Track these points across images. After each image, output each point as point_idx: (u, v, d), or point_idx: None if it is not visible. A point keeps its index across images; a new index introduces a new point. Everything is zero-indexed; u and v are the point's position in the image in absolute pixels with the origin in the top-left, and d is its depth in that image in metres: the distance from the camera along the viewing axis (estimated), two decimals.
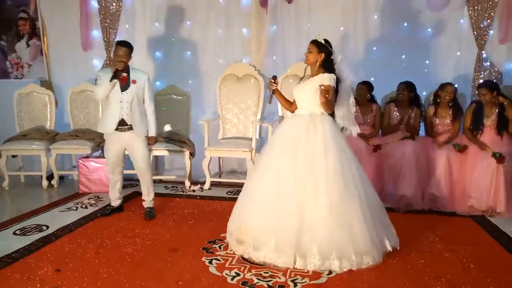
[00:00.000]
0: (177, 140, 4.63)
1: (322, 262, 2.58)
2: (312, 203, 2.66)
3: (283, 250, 2.63)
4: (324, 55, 2.88)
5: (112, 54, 3.53)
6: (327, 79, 2.83)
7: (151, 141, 3.73)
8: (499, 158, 3.64)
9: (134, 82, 3.50)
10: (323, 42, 2.89)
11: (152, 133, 3.68)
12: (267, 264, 2.66)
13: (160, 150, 4.61)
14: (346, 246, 2.60)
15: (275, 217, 2.69)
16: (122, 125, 3.49)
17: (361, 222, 2.64)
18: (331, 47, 2.92)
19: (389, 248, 2.77)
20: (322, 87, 2.72)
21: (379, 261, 2.68)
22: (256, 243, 2.73)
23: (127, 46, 3.49)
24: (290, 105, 3.13)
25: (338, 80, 2.89)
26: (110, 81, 3.36)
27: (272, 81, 3.01)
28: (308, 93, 2.90)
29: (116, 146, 3.57)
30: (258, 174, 2.94)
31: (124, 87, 3.47)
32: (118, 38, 5.10)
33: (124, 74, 3.47)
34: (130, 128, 3.52)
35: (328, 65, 2.90)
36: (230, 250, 2.92)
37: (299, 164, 2.73)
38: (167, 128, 4.92)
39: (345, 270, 2.57)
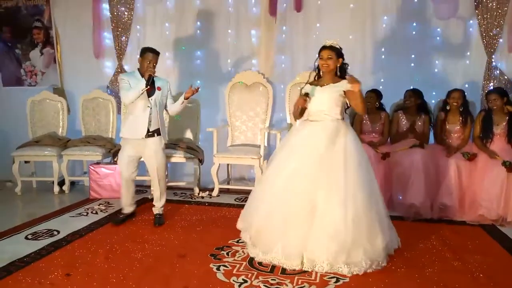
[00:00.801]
0: (187, 147, 4.67)
1: (330, 267, 2.62)
2: (324, 208, 2.65)
3: (291, 253, 2.66)
4: (341, 61, 2.91)
5: (138, 60, 3.58)
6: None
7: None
8: (509, 166, 3.61)
9: (159, 89, 3.57)
10: (340, 48, 2.91)
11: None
12: (276, 265, 2.72)
13: (178, 157, 4.63)
14: (358, 253, 2.61)
15: (284, 220, 2.71)
16: (148, 131, 3.54)
17: (375, 228, 2.66)
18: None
19: (392, 252, 2.84)
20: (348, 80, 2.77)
21: (384, 265, 2.72)
22: (266, 246, 2.78)
23: (157, 53, 3.55)
24: (300, 115, 3.06)
25: None
26: (145, 87, 3.40)
27: (305, 98, 2.91)
28: (327, 99, 2.87)
29: (134, 151, 3.59)
30: (274, 178, 2.88)
31: (150, 93, 3.52)
32: (129, 46, 5.21)
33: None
34: (152, 134, 3.56)
35: (343, 70, 2.92)
36: (238, 257, 2.94)
37: (315, 169, 2.72)
38: (183, 135, 4.96)
39: (353, 274, 2.60)
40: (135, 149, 3.59)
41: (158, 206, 3.74)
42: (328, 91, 2.89)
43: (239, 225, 3.20)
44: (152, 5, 5.21)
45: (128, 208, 3.77)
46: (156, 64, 3.53)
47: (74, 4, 5.42)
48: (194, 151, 4.66)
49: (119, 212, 3.84)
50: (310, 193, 2.70)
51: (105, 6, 5.25)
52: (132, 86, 3.46)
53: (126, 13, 5.12)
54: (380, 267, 2.69)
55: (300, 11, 4.81)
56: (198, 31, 5.17)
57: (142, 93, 3.44)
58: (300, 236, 2.67)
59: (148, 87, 3.43)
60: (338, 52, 2.90)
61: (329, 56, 2.88)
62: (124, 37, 5.18)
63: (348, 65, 2.97)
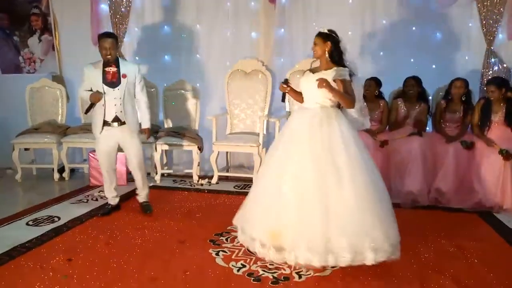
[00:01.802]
0: (186, 135, 4.69)
1: (354, 256, 2.45)
2: (336, 195, 2.52)
3: (314, 249, 2.46)
4: (330, 44, 2.80)
5: (98, 48, 3.39)
6: (345, 74, 2.75)
7: (146, 133, 3.66)
8: (506, 155, 3.63)
9: (124, 76, 3.37)
10: (327, 32, 2.83)
11: (147, 125, 3.61)
12: (302, 266, 2.56)
13: (177, 146, 4.66)
14: (379, 236, 2.47)
15: (299, 217, 2.54)
16: (115, 121, 3.42)
17: (387, 214, 2.59)
18: (337, 36, 2.84)
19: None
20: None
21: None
22: (290, 247, 2.55)
23: (113, 36, 3.36)
24: (302, 98, 3.00)
25: (351, 74, 2.82)
26: (86, 113, 3.38)
27: (285, 85, 2.92)
28: (315, 86, 2.73)
29: (110, 144, 3.48)
30: (277, 173, 2.72)
31: (115, 83, 3.35)
32: (127, 34, 5.17)
33: (114, 69, 3.35)
34: (123, 123, 3.43)
35: (337, 55, 2.81)
36: (237, 243, 2.96)
37: (318, 160, 2.60)
38: (182, 123, 4.96)
39: (380, 261, 2.46)
40: (111, 138, 3.46)
41: (142, 194, 3.66)
42: (321, 77, 2.77)
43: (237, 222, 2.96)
44: None
45: (113, 200, 3.69)
46: (114, 49, 3.33)
47: None
48: (193, 139, 4.67)
49: (107, 204, 3.74)
50: (321, 183, 2.56)
51: None
52: (91, 81, 3.36)
53: (124, 1, 5.08)
54: (396, 255, 2.53)
55: None
56: (197, 21, 5.13)
57: (92, 106, 3.38)
58: (318, 229, 2.48)
59: (96, 103, 3.35)
60: (324, 36, 2.81)
61: (315, 43, 2.84)
62: (122, 24, 5.14)
63: (344, 50, 2.85)
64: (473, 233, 3.21)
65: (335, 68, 2.79)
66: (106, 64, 3.37)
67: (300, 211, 2.55)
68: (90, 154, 4.58)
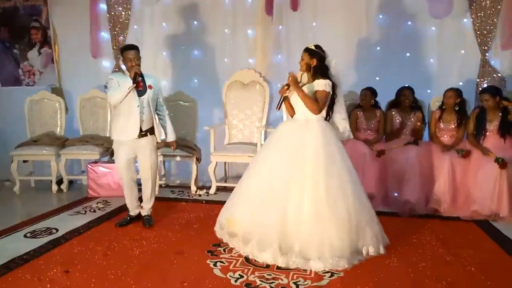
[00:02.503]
0: (184, 145, 4.71)
1: (304, 261, 2.67)
2: (296, 204, 2.74)
3: (266, 247, 2.74)
4: (316, 60, 3.00)
5: (122, 61, 3.46)
6: (322, 84, 2.96)
7: (172, 146, 3.72)
8: (502, 163, 3.65)
9: (150, 87, 3.43)
10: (314, 48, 3.01)
11: (173, 137, 3.66)
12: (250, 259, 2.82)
13: (175, 156, 4.69)
14: (323, 248, 2.68)
15: (260, 215, 2.82)
16: (140, 131, 3.43)
17: (342, 226, 2.70)
18: (323, 52, 3.03)
19: (372, 254, 2.84)
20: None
21: (354, 264, 2.71)
22: (244, 238, 2.89)
23: (137, 48, 3.40)
24: (293, 112, 3.17)
25: (334, 85, 3.01)
26: (133, 85, 3.26)
27: (286, 88, 3.05)
28: (298, 98, 3.00)
29: (128, 153, 3.48)
30: (251, 173, 3.08)
31: (141, 92, 3.39)
32: None
33: (139, 79, 3.37)
34: (145, 134, 3.47)
35: (322, 70, 3.01)
36: (234, 253, 2.98)
37: (288, 165, 2.83)
38: (180, 133, 4.96)
39: (320, 270, 2.64)
40: (131, 150, 3.48)
41: (147, 207, 3.64)
42: (305, 90, 3.01)
43: (219, 220, 3.24)
44: (149, 5, 5.23)
45: (134, 211, 3.68)
46: (139, 60, 3.37)
47: (71, 4, 5.44)
48: (191, 150, 4.69)
49: (121, 211, 3.77)
50: (285, 190, 2.79)
51: (103, 6, 5.27)
52: (121, 86, 3.31)
53: (123, 12, 5.14)
54: (349, 265, 2.68)
55: (296, 10, 4.84)
56: (195, 31, 5.21)
57: (129, 92, 3.29)
58: (275, 230, 2.75)
59: (135, 85, 3.29)
60: (310, 53, 3.01)
61: (302, 58, 3.04)
62: (121, 37, 5.20)
63: (328, 66, 3.03)
64: (470, 241, 3.22)
65: (317, 80, 2.99)
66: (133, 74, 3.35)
67: (258, 208, 2.83)
68: (89, 166, 4.59)
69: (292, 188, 2.78)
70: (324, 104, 2.98)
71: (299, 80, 3.16)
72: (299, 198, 2.76)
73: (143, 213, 3.67)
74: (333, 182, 2.78)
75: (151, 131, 3.53)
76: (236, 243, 2.96)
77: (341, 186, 2.79)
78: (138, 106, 3.39)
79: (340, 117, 3.11)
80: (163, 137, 3.74)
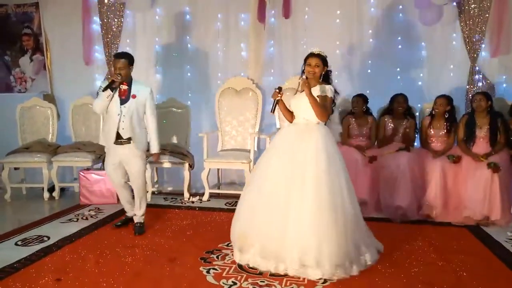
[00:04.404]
0: (177, 152, 4.71)
1: (302, 269, 2.67)
2: (297, 210, 2.72)
3: (267, 255, 2.75)
4: (326, 68, 3.04)
5: (112, 68, 3.49)
6: (328, 89, 2.96)
7: (154, 158, 3.76)
8: (494, 167, 3.70)
9: (134, 96, 3.43)
10: (326, 56, 3.04)
11: (155, 150, 3.66)
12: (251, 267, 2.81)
13: (167, 163, 4.67)
14: (322, 256, 2.64)
15: (261, 222, 2.79)
16: (119, 138, 3.45)
17: (340, 234, 2.68)
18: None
19: (369, 262, 2.82)
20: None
21: (351, 274, 2.69)
22: (243, 246, 2.89)
23: (125, 57, 3.41)
24: (291, 116, 3.15)
25: (336, 92, 3.04)
26: (103, 91, 3.31)
27: (277, 91, 3.07)
28: (306, 103, 2.94)
29: (114, 160, 3.52)
30: (255, 179, 3.01)
31: (124, 100, 3.41)
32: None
33: (125, 87, 3.41)
34: (128, 142, 3.47)
35: (327, 77, 3.06)
36: (228, 260, 2.98)
37: (290, 171, 2.81)
38: (173, 140, 4.99)
39: (317, 278, 2.63)
40: (115, 156, 3.51)
41: (138, 214, 3.63)
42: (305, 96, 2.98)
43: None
44: (141, 15, 5.24)
45: (130, 212, 3.74)
46: (126, 69, 3.38)
47: (63, 11, 5.44)
48: (184, 156, 4.69)
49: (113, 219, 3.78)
50: (287, 197, 2.77)
51: (95, 17, 5.28)
52: (102, 94, 3.36)
53: (116, 19, 5.15)
54: (346, 274, 2.66)
55: (288, 18, 4.88)
56: (188, 38, 5.23)
57: (110, 100, 3.35)
58: (276, 237, 2.74)
59: (113, 93, 3.33)
60: (324, 60, 3.02)
61: (317, 64, 3.00)
62: (114, 44, 5.21)
63: (331, 72, 3.09)
64: (461, 246, 3.25)
65: (318, 85, 2.98)
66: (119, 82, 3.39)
67: (259, 215, 2.81)
68: (81, 173, 4.56)
69: (293, 195, 2.75)
70: (330, 110, 3.02)
71: (297, 86, 3.13)
72: (299, 205, 2.72)
73: (135, 219, 3.67)
74: (333, 189, 2.76)
75: (136, 139, 3.48)
76: (236, 252, 2.96)
77: (340, 193, 2.78)
78: (118, 114, 3.41)
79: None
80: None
